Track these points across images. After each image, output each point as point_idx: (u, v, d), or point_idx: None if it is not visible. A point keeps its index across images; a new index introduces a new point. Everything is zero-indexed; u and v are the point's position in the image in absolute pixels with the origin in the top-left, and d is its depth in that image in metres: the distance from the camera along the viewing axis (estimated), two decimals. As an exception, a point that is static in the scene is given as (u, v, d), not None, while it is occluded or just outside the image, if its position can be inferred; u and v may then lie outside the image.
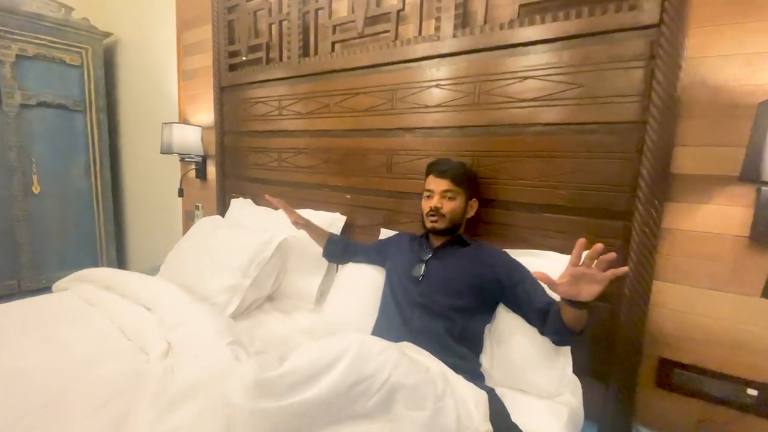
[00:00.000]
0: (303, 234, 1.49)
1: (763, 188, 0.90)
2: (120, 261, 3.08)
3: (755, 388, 0.96)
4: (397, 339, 0.96)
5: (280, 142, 1.82)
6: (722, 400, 0.99)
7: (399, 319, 1.03)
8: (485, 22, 1.21)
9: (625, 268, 0.74)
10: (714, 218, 0.97)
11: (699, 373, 1.02)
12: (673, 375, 1.06)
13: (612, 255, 0.72)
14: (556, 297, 0.86)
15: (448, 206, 1.11)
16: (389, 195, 1.48)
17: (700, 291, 1.00)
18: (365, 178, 1.53)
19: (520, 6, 1.14)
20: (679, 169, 1.00)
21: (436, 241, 1.17)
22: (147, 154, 2.79)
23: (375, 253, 1.31)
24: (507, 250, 1.12)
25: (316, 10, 1.60)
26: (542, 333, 0.97)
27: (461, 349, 0.97)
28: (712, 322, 1.00)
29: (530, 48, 1.14)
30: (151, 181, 2.82)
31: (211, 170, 2.28)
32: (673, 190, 1.01)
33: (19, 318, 1.22)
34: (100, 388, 0.87)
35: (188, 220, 2.49)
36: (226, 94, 2.04)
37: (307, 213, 1.64)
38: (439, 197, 1.11)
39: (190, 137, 2.17)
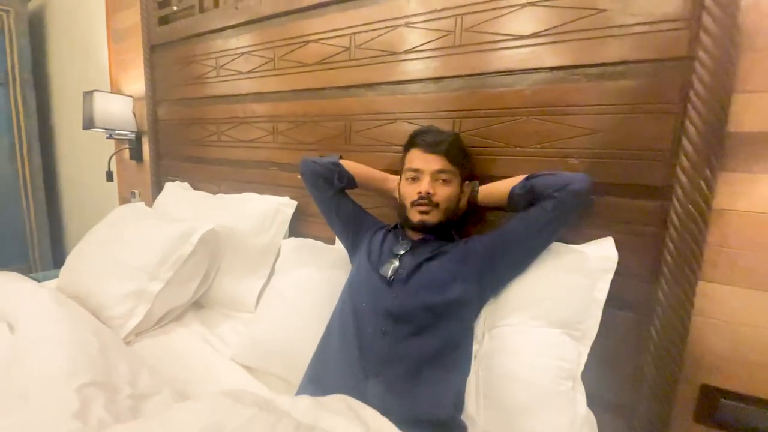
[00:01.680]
0: (240, 222, 1.17)
1: None
2: (57, 259, 2.69)
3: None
4: (347, 369, 0.67)
5: (219, 110, 1.47)
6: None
7: (355, 340, 0.73)
8: (469, -68, 0.89)
9: None
10: (790, 194, 0.68)
11: (753, 405, 0.75)
12: (719, 407, 0.78)
13: None
14: None
15: (443, 192, 0.83)
16: (348, 173, 1.16)
17: (762, 295, 0.72)
18: (319, 153, 1.20)
19: None
20: (739, 126, 0.70)
21: (415, 235, 0.88)
22: (82, 133, 2.40)
23: (346, 217, 0.97)
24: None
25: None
26: (543, 209, 0.76)
27: (437, 383, 0.68)
28: (779, 339, 0.72)
29: (530, -38, 0.83)
30: (89, 165, 2.42)
31: (147, 149, 1.91)
32: (730, 156, 0.71)
33: None
34: None
35: (126, 210, 2.12)
36: (156, 54, 1.68)
37: (248, 198, 1.32)
38: (429, 180, 0.82)
39: (117, 109, 1.79)
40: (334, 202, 0.97)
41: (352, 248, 0.97)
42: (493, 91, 0.90)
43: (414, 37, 0.98)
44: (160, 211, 1.38)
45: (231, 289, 1.18)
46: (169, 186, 1.63)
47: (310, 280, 0.99)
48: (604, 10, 0.76)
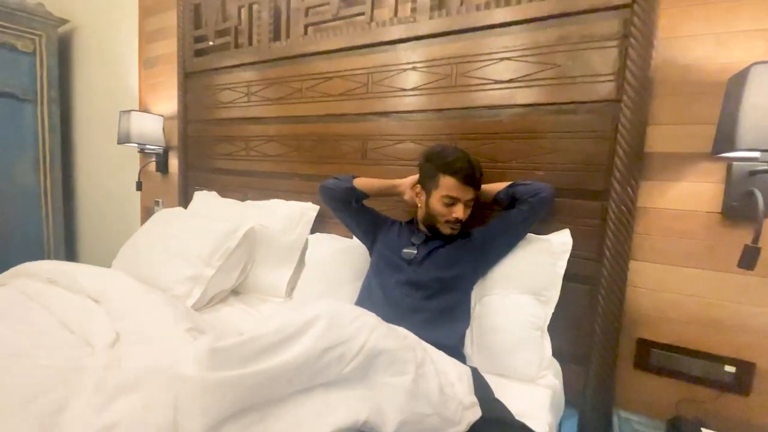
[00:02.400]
0: (272, 223, 1.41)
1: (734, 163, 0.91)
2: (70, 264, 2.83)
3: (732, 365, 0.96)
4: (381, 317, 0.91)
5: (248, 129, 1.73)
6: (700, 378, 0.99)
7: (382, 299, 0.97)
8: (461, 3, 1.19)
9: None
10: (687, 195, 0.98)
11: (676, 353, 1.02)
12: (650, 356, 1.05)
13: None
14: None
15: (467, 213, 1.04)
16: (364, 182, 1.42)
17: (675, 269, 1.01)
18: (339, 166, 1.47)
19: (497, -14, 1.13)
20: (653, 147, 1.00)
21: (429, 231, 1.11)
22: (104, 148, 2.60)
23: (367, 224, 1.18)
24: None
25: (289, -7, 1.55)
26: (519, 211, 1.04)
27: (447, 325, 0.93)
28: (687, 300, 1.00)
29: (506, 29, 1.13)
30: (108, 177, 2.62)
31: (173, 163, 2.14)
32: (648, 169, 1.01)
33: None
34: (31, 382, 0.75)
35: (148, 216, 2.31)
36: (190, 80, 1.93)
37: (276, 204, 1.56)
38: (463, 207, 1.02)
39: (150, 126, 2.03)
40: (354, 217, 1.17)
41: (372, 245, 1.18)
42: (480, 120, 1.19)
43: (419, 78, 1.28)
44: (201, 214, 1.60)
45: (264, 278, 1.40)
46: (198, 194, 1.85)
47: (336, 264, 1.23)
48: (559, 66, 1.07)
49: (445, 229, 1.05)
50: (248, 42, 1.69)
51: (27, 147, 2.55)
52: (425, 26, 1.24)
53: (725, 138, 0.84)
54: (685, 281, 0.99)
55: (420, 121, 1.29)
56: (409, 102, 1.30)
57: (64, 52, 2.71)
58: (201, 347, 0.53)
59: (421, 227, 1.12)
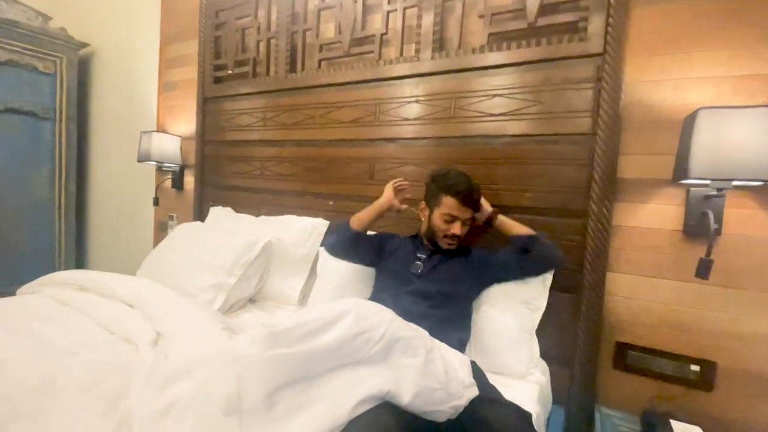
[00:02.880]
0: (285, 237, 1.54)
1: (691, 189, 1.08)
2: (79, 276, 2.92)
3: (697, 365, 1.10)
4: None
5: (264, 151, 1.88)
6: (670, 377, 1.13)
7: (393, 307, 1.08)
8: (459, 46, 1.37)
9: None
10: (654, 215, 1.14)
11: (649, 354, 1.16)
12: (627, 357, 1.19)
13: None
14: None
15: (465, 231, 1.17)
16: (371, 200, 1.54)
17: (646, 279, 1.15)
18: (348, 185, 1.62)
19: (490, 34, 1.31)
20: (624, 174, 1.17)
21: (429, 249, 1.24)
22: (118, 165, 2.74)
23: (374, 254, 1.30)
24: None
25: (304, 31, 1.73)
26: (521, 263, 1.14)
27: (450, 333, 1.04)
28: (657, 307, 1.14)
29: (498, 70, 1.31)
30: (121, 193, 2.75)
31: (188, 180, 2.28)
32: (620, 192, 1.17)
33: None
34: (88, 373, 0.87)
35: (160, 231, 2.45)
36: (209, 104, 2.09)
37: (290, 219, 1.70)
38: (461, 225, 1.15)
39: (168, 146, 2.17)
40: (360, 255, 1.30)
41: (378, 264, 1.29)
42: (476, 147, 1.35)
43: (422, 110, 1.44)
44: (220, 228, 1.73)
45: (278, 287, 1.53)
46: (214, 209, 1.98)
47: (345, 274, 1.36)
48: (543, 103, 1.24)
49: (443, 244, 1.18)
50: (266, 72, 1.86)
51: (44, 162, 2.68)
52: (427, 65, 1.42)
53: (681, 168, 1.00)
54: (655, 290, 1.14)
55: (422, 147, 1.45)
56: (413, 130, 1.47)
57: (82, 73, 2.87)
58: (258, 332, 0.66)
59: (425, 241, 1.25)
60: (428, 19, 1.41)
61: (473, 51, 1.34)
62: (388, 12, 1.50)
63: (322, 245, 1.37)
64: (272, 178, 1.86)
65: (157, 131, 2.37)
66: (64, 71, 2.71)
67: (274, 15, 1.83)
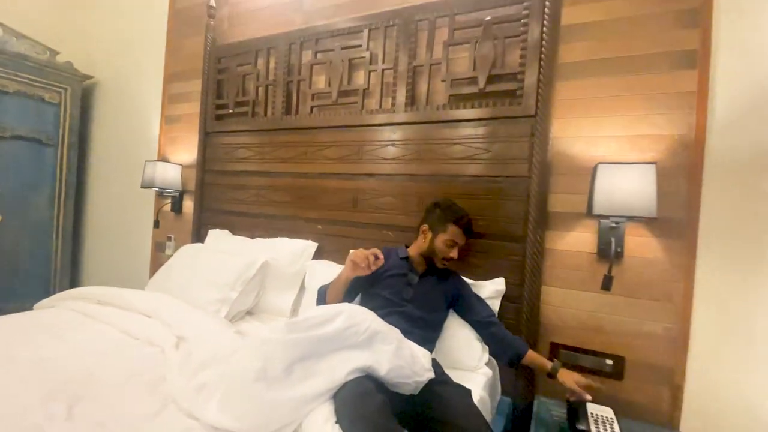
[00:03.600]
0: (279, 257, 1.79)
1: (601, 221, 1.40)
2: (72, 294, 3.04)
3: (611, 359, 1.40)
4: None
5: (260, 180, 2.14)
6: (591, 370, 1.42)
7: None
8: (427, 103, 1.70)
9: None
10: (575, 241, 1.46)
11: (575, 351, 1.45)
12: (559, 354, 1.48)
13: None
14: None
15: (458, 254, 1.40)
16: (354, 225, 1.85)
17: (571, 291, 1.46)
18: (335, 212, 1.89)
19: (450, 96, 1.64)
20: (553, 208, 1.49)
21: (418, 266, 1.43)
22: (116, 189, 2.93)
23: (367, 286, 1.41)
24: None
25: (299, 81, 2.03)
26: (493, 352, 1.37)
27: (425, 345, 1.24)
28: (580, 313, 1.44)
29: (458, 124, 1.63)
30: (118, 216, 2.93)
31: (187, 204, 2.51)
32: (550, 222, 1.49)
33: (17, 327, 1.36)
34: (123, 368, 1.09)
35: (158, 251, 2.64)
36: (210, 138, 2.35)
37: (282, 241, 1.95)
38: (457, 250, 1.38)
39: (170, 174, 2.40)
40: (354, 296, 1.42)
41: (371, 284, 1.41)
42: (441, 184, 1.65)
43: (397, 152, 1.75)
44: (214, 249, 1.96)
45: (273, 301, 1.76)
46: (213, 232, 2.21)
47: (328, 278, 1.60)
48: (492, 151, 1.56)
49: (440, 264, 1.39)
50: (264, 113, 2.14)
51: (45, 185, 2.85)
52: (401, 116, 1.73)
53: (589, 206, 1.33)
54: (578, 299, 1.45)
55: (398, 182, 1.75)
56: (390, 168, 1.76)
57: (85, 102, 3.08)
58: (279, 323, 0.92)
59: (416, 262, 1.43)
60: (402, 80, 1.74)
61: (437, 108, 1.66)
62: (370, 71, 1.82)
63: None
64: (266, 204, 2.11)
65: (159, 160, 2.61)
66: (68, 101, 2.92)
67: (272, 65, 2.13)
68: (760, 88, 1.15)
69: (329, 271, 1.65)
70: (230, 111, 2.26)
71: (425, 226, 1.44)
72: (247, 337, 1.10)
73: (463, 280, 1.48)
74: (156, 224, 2.49)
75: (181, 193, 2.51)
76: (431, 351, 1.34)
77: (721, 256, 1.24)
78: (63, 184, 2.91)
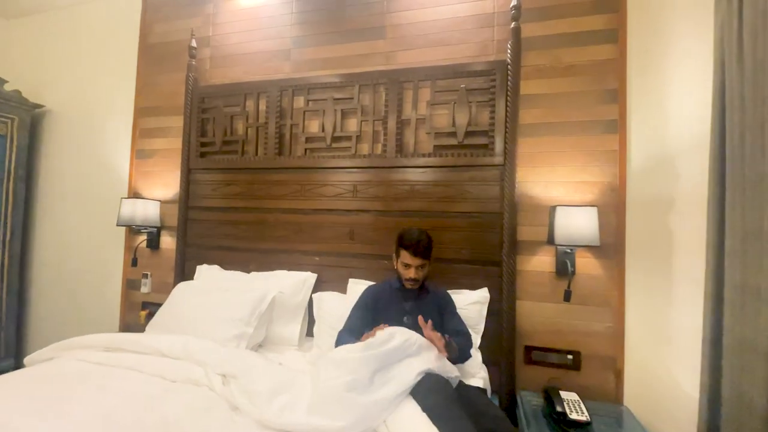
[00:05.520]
0: (283, 289, 1.93)
1: (558, 247, 1.80)
2: (19, 343, 2.77)
3: (570, 354, 1.79)
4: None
5: (252, 216, 2.25)
6: (557, 364, 1.80)
7: None
8: (414, 151, 2.00)
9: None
10: (539, 263, 1.84)
11: (544, 351, 1.82)
12: (532, 355, 1.84)
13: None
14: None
15: (421, 274, 1.60)
16: (353, 256, 2.06)
17: (538, 303, 1.84)
18: (332, 244, 2.09)
19: (434, 146, 1.96)
20: (521, 237, 1.87)
21: (410, 291, 1.64)
22: (72, 225, 2.77)
23: (366, 321, 1.62)
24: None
25: (291, 125, 2.21)
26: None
27: None
28: (544, 320, 1.83)
29: (441, 169, 1.95)
30: (76, 255, 2.75)
31: (166, 240, 2.49)
32: (520, 249, 1.86)
33: (37, 382, 1.34)
34: (186, 407, 1.18)
35: (131, 289, 2.56)
36: (193, 174, 2.39)
37: (282, 274, 2.09)
38: (415, 270, 1.57)
39: (150, 210, 2.39)
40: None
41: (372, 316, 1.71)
42: (430, 219, 1.95)
43: (391, 190, 2.01)
44: (212, 286, 2.02)
45: (280, 332, 1.89)
46: (202, 268, 2.26)
47: (338, 315, 1.79)
48: (471, 192, 1.90)
49: (407, 285, 1.61)
50: (255, 152, 2.27)
51: (-12, 223, 2.60)
52: (391, 161, 2.01)
53: (551, 237, 1.72)
54: (543, 310, 1.83)
55: (391, 217, 2.01)
56: (382, 204, 2.03)
57: (34, 133, 2.88)
58: (356, 345, 1.21)
59: (408, 292, 1.64)
60: (391, 130, 2.02)
61: (423, 155, 1.97)
62: (362, 121, 2.08)
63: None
64: (260, 239, 2.23)
65: (128, 195, 2.56)
66: (15, 132, 2.72)
67: (263, 108, 2.28)
68: (662, 149, 1.63)
69: (336, 302, 1.85)
70: (218, 149, 2.35)
71: (393, 255, 1.69)
72: (281, 362, 1.26)
73: (448, 297, 1.69)
74: (134, 262, 2.43)
75: (159, 229, 2.49)
76: None
77: (642, 270, 1.70)
78: (8, 223, 2.68)
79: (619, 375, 1.73)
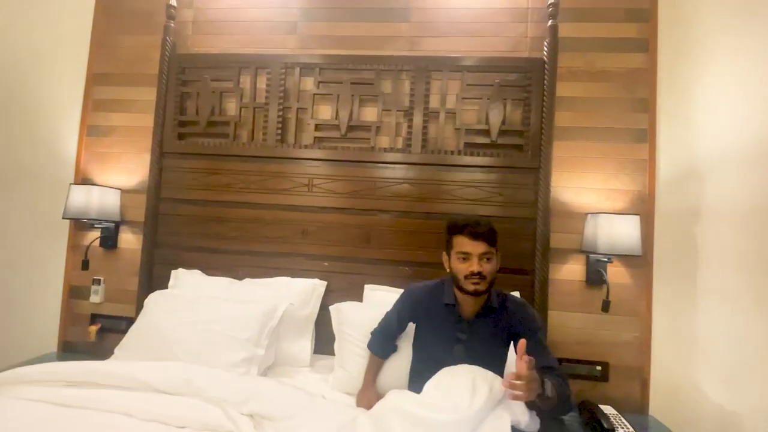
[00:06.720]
0: (290, 299, 1.64)
1: (590, 256, 1.75)
2: None
3: (599, 366, 1.74)
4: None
5: (244, 213, 1.91)
6: (585, 376, 1.74)
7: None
8: (440, 147, 1.83)
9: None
10: (570, 272, 1.78)
11: (575, 363, 1.75)
12: (562, 367, 1.76)
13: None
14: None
15: (488, 268, 1.14)
16: (368, 262, 1.83)
17: (569, 313, 1.77)
18: (344, 247, 1.84)
19: (465, 143, 1.81)
20: (554, 245, 1.78)
21: (468, 308, 1.24)
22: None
23: (401, 328, 1.39)
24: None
25: (298, 108, 1.91)
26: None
27: None
28: (573, 330, 1.76)
29: (471, 169, 1.80)
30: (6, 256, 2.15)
31: (126, 238, 2.04)
32: (552, 257, 1.78)
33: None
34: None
35: (75, 298, 2.05)
36: (168, 159, 1.98)
37: (285, 281, 1.78)
38: (478, 260, 1.13)
39: (110, 201, 1.93)
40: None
41: (406, 326, 1.40)
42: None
43: (412, 189, 1.82)
44: (205, 295, 1.65)
45: (289, 350, 1.60)
46: (178, 273, 1.86)
47: (363, 329, 1.54)
48: (503, 195, 1.78)
49: (468, 287, 1.15)
50: (251, 137, 1.93)
51: None
52: (416, 157, 1.82)
53: (589, 245, 1.66)
54: (572, 320, 1.76)
55: (413, 218, 1.82)
56: (406, 204, 1.82)
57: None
58: (453, 404, 1.02)
59: (464, 306, 1.25)
60: (417, 122, 1.83)
61: (452, 153, 1.81)
62: (383, 110, 1.86)
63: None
64: (253, 240, 1.90)
65: (76, 181, 2.05)
66: None
67: (262, 86, 1.95)
68: (690, 161, 1.64)
69: (358, 313, 1.59)
70: (201, 131, 1.96)
71: (443, 254, 1.28)
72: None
73: (529, 316, 1.27)
74: (85, 265, 1.94)
75: (118, 225, 2.03)
76: None
77: (669, 279, 1.71)
78: None
79: (645, 385, 1.72)
